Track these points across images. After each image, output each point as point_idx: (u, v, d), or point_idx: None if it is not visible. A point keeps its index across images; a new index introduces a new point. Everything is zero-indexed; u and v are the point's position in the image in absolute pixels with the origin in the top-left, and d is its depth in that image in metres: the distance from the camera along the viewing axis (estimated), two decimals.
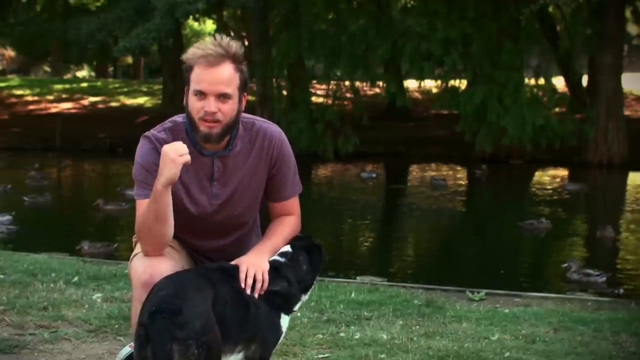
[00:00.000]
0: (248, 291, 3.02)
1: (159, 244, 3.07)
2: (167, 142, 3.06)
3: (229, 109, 3.05)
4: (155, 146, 3.11)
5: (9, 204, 13.60)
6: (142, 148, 3.14)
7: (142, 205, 3.09)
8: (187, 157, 2.95)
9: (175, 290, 2.81)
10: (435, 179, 18.40)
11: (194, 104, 3.05)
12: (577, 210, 15.84)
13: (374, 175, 19.62)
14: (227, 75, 3.04)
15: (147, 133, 3.16)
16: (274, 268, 3.11)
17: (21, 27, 29.53)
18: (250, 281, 3.04)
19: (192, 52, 3.07)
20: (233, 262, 3.13)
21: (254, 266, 3.08)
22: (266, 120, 3.29)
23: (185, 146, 2.97)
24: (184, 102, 3.12)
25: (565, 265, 9.45)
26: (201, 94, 3.03)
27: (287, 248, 3.20)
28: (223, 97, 3.04)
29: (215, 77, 3.02)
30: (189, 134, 3.12)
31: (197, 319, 2.75)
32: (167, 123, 3.19)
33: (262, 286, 3.05)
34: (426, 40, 21.99)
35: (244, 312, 2.98)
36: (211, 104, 3.02)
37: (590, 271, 9.20)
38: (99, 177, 21.43)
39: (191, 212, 3.16)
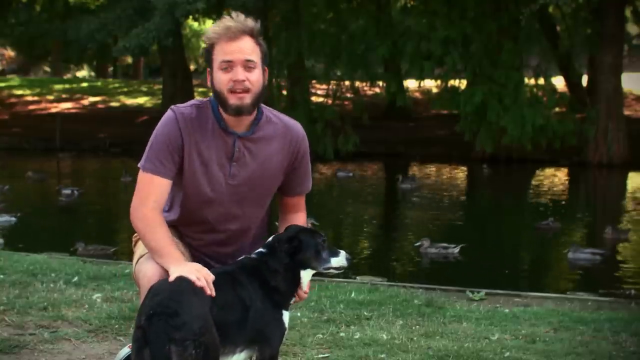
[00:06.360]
0: None
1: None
2: (190, 116, 3.14)
3: (256, 77, 3.12)
4: (176, 118, 3.15)
5: (14, 203, 13.60)
6: (162, 121, 3.19)
7: (145, 179, 3.14)
8: (205, 285, 2.90)
9: (171, 293, 2.83)
10: (404, 179, 18.23)
11: (221, 78, 3.11)
12: (577, 211, 15.83)
13: (350, 174, 19.74)
14: (249, 46, 3.11)
15: (173, 106, 3.23)
16: (264, 262, 3.10)
17: (21, 27, 29.55)
18: None
19: (212, 31, 3.13)
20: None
21: None
22: (288, 117, 3.35)
23: (210, 279, 2.94)
24: (209, 82, 3.18)
25: (417, 243, 10.05)
26: (227, 64, 3.09)
27: (269, 239, 3.19)
28: (249, 64, 3.10)
29: (238, 47, 3.09)
30: (215, 112, 3.17)
31: (194, 320, 2.76)
32: (196, 101, 3.26)
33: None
34: (426, 40, 21.98)
35: (243, 313, 2.99)
36: (239, 73, 3.09)
37: (445, 244, 9.95)
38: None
39: (206, 191, 3.18)
